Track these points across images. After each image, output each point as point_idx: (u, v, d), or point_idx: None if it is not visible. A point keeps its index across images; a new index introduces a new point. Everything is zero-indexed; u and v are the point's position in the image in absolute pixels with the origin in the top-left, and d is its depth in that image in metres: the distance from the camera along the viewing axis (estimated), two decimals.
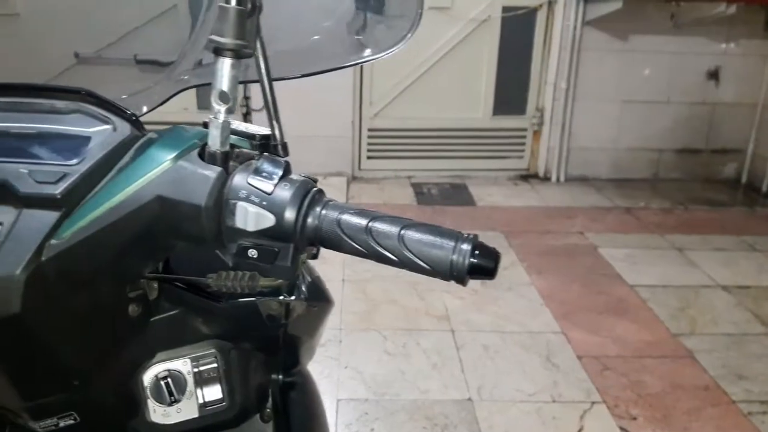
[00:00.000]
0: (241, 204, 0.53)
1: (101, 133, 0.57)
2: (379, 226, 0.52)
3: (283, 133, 0.61)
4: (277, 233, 0.53)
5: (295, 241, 0.53)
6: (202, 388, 0.66)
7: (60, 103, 0.59)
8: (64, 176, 0.52)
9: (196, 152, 0.55)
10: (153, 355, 0.64)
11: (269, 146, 0.61)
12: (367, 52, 0.82)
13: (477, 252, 0.51)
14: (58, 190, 0.52)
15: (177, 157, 0.54)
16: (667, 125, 4.49)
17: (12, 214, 0.52)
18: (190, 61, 0.83)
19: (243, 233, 0.53)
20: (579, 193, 4.29)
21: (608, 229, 3.68)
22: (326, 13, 0.83)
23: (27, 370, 0.55)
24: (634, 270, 3.14)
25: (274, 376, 0.78)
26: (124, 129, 0.57)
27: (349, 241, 0.52)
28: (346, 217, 0.53)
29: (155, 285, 0.62)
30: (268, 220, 0.52)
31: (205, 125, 0.57)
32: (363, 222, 0.53)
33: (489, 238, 2.67)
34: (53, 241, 0.51)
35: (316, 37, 0.83)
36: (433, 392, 2.18)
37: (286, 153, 0.61)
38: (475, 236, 0.52)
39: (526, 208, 4.00)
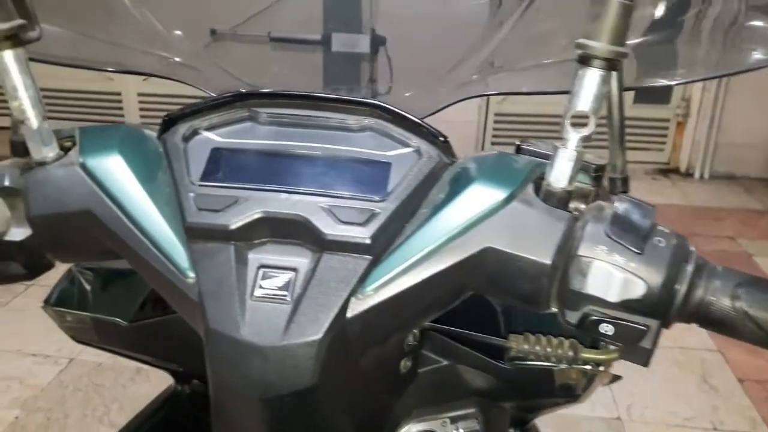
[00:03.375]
0: (599, 265, 0.41)
1: (403, 159, 0.46)
2: None
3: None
4: (644, 306, 0.41)
5: (668, 317, 0.42)
6: None
7: (351, 119, 0.49)
8: (372, 215, 0.43)
9: (531, 190, 0.44)
10: (410, 413, 0.56)
11: (601, 178, 0.48)
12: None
13: None
14: (368, 233, 0.42)
15: (510, 197, 0.43)
16: None
17: (309, 260, 0.43)
18: (474, 64, 0.69)
19: (596, 301, 0.41)
20: (726, 192, 3.94)
21: (764, 235, 3.34)
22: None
23: None
24: None
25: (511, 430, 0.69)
26: (431, 154, 0.47)
27: (753, 326, 0.40)
28: (751, 292, 0.40)
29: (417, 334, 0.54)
30: (638, 288, 0.40)
31: (519, 149, 0.46)
32: None
33: None
34: (359, 296, 0.42)
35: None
36: (581, 408, 2.04)
37: (626, 188, 0.49)
38: None
39: (667, 206, 3.70)
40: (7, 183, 0.48)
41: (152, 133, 0.51)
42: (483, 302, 0.50)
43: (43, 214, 0.47)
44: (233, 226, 0.43)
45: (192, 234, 0.44)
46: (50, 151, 0.49)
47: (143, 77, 4.15)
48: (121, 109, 4.39)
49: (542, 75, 0.64)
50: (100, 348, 0.71)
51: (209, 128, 0.49)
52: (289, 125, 0.49)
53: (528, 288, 0.42)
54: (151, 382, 2.10)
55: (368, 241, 0.42)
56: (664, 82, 0.65)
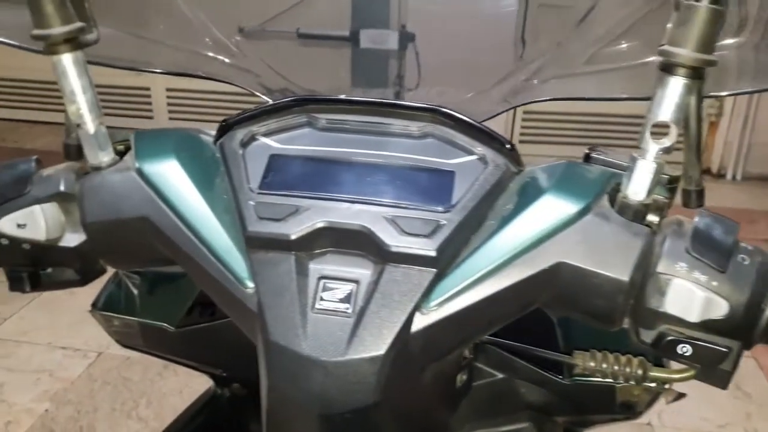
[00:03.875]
0: (679, 283, 0.39)
1: (467, 168, 0.45)
2: None
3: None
4: (726, 327, 0.39)
5: (751, 339, 0.40)
6: None
7: (412, 125, 0.47)
8: (437, 226, 0.42)
9: (606, 202, 0.42)
10: (463, 427, 0.54)
11: (675, 191, 0.46)
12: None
13: None
14: (434, 245, 0.41)
15: (585, 210, 0.41)
16: None
17: (371, 272, 0.42)
18: (527, 72, 0.66)
19: (674, 321, 0.40)
20: (760, 193, 3.86)
21: None
22: None
23: None
24: None
25: None
26: (497, 162, 0.45)
27: None
28: None
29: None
30: (720, 308, 0.39)
31: (588, 158, 0.44)
32: None
33: None
34: (423, 310, 0.41)
35: None
36: None
37: (701, 201, 0.47)
38: None
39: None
40: (62, 188, 0.48)
41: (208, 138, 0.50)
42: (538, 314, 0.48)
43: (99, 220, 0.47)
44: (294, 236, 0.42)
45: (252, 243, 0.43)
46: (106, 156, 0.48)
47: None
48: (149, 104, 4.42)
49: (602, 80, 0.62)
50: (144, 352, 0.70)
51: (267, 134, 0.48)
52: (348, 131, 0.48)
53: (602, 305, 0.41)
54: (179, 377, 2.11)
55: (434, 254, 0.41)
56: (746, 89, 0.62)
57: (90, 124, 0.47)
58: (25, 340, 2.28)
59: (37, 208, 0.47)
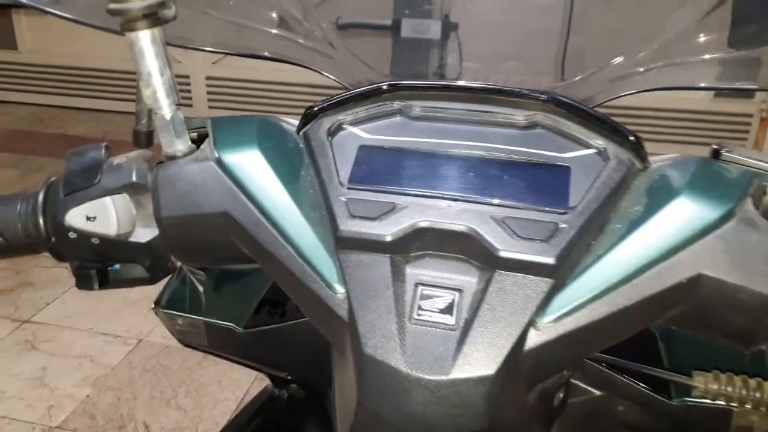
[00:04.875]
0: None
1: (584, 162, 0.40)
2: None
3: None
4: None
5: None
6: None
7: (518, 114, 0.43)
8: (556, 230, 0.37)
9: (751, 207, 0.37)
10: None
11: None
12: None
13: None
14: (553, 252, 0.36)
15: (728, 215, 0.36)
16: None
17: (476, 279, 0.37)
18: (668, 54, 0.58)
19: None
20: None
21: None
22: None
23: None
24: None
25: None
26: (620, 156, 0.40)
27: None
28: None
29: None
30: None
31: (716, 154, 0.39)
32: None
33: None
34: (538, 326, 0.36)
35: None
36: None
37: None
38: None
39: None
40: (134, 178, 0.44)
41: (290, 127, 0.46)
42: None
43: (175, 214, 0.43)
44: (391, 237, 0.38)
45: (343, 243, 0.39)
46: (182, 144, 0.44)
47: (215, 58, 4.17)
48: (189, 92, 4.43)
49: (715, 69, 0.56)
50: (208, 352, 0.67)
51: (355, 123, 0.44)
52: (445, 120, 0.43)
53: (743, 324, 0.36)
54: (218, 367, 2.10)
55: (552, 261, 0.36)
56: None
57: (167, 109, 0.43)
58: (67, 325, 2.29)
59: (108, 199, 0.44)
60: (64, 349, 2.17)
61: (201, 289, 0.63)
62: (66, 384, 2.00)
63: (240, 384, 2.03)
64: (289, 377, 0.67)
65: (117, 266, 0.48)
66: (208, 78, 4.36)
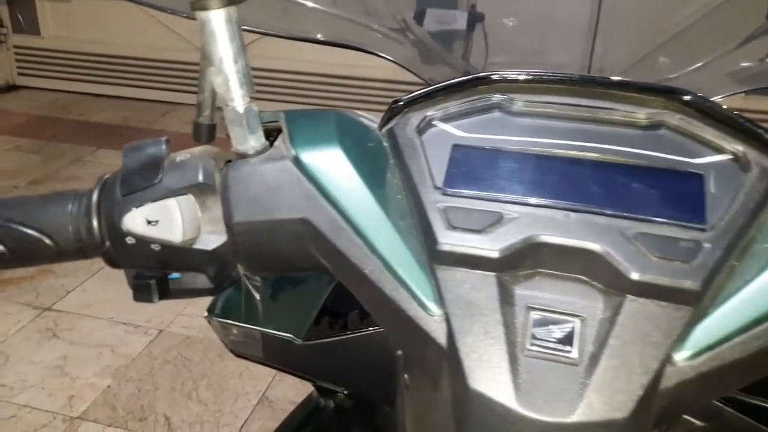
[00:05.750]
0: None
1: (719, 170, 0.35)
2: None
3: None
4: None
5: None
6: None
7: (639, 112, 0.38)
8: (698, 250, 0.32)
9: None
10: None
11: None
12: None
13: None
14: (699, 276, 0.31)
15: None
16: None
17: (602, 305, 0.33)
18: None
19: None
20: None
21: None
22: None
23: None
24: None
25: None
26: (763, 164, 0.35)
27: None
28: None
29: None
30: None
31: None
32: None
33: None
34: (675, 361, 0.32)
35: None
36: None
37: None
38: None
39: None
40: (200, 178, 0.39)
41: (370, 123, 0.42)
42: None
43: (247, 220, 0.38)
44: (499, 254, 0.34)
45: (442, 258, 0.35)
46: (255, 141, 0.39)
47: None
48: None
49: None
50: (262, 363, 0.62)
51: (446, 119, 0.39)
52: (552, 117, 0.38)
53: None
54: (238, 360, 2.07)
55: (697, 287, 0.31)
56: None
57: (240, 101, 0.38)
58: (87, 313, 2.28)
59: (172, 201, 0.39)
60: (85, 338, 2.15)
61: (257, 297, 0.58)
62: (87, 373, 1.99)
63: (261, 378, 2.00)
64: (344, 391, 0.63)
65: (177, 275, 0.43)
66: None
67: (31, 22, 4.45)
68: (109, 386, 1.94)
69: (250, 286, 0.56)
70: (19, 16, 4.46)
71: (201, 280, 0.42)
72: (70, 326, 2.21)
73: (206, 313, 0.59)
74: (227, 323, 0.58)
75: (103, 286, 2.43)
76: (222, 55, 0.37)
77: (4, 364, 2.01)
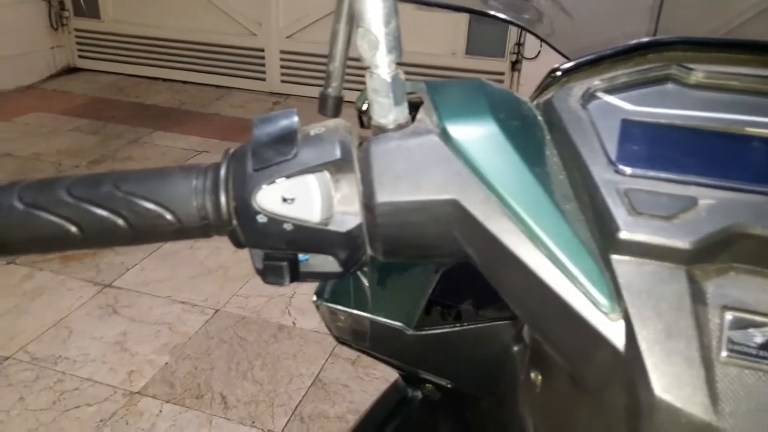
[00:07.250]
0: None
1: None
2: None
3: None
4: None
5: None
6: None
7: None
8: None
9: None
10: None
11: None
12: None
13: None
14: None
15: None
16: None
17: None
18: None
19: None
20: None
21: None
22: None
23: None
24: None
25: None
26: None
27: None
28: None
29: None
30: None
31: None
32: None
33: None
34: None
35: None
36: None
37: None
38: None
39: None
40: (338, 154, 0.36)
41: (522, 96, 0.38)
42: None
43: (390, 200, 0.35)
44: (690, 245, 0.30)
45: (622, 249, 0.31)
46: (399, 113, 0.36)
47: (290, 32, 4.12)
48: (263, 65, 4.43)
49: None
50: (363, 352, 0.60)
51: (611, 90, 0.35)
52: (736, 91, 0.34)
53: None
54: (293, 341, 2.09)
55: None
56: None
57: (386, 69, 0.35)
58: (146, 291, 2.32)
59: (311, 178, 0.36)
60: (144, 315, 2.19)
61: (366, 282, 0.55)
62: (146, 350, 2.02)
63: (315, 360, 2.01)
64: (449, 385, 0.60)
65: (305, 257, 0.39)
66: (283, 52, 4.35)
67: (92, 6, 4.55)
68: (167, 363, 1.97)
69: (358, 271, 0.53)
70: (81, 0, 4.57)
71: (329, 263, 0.38)
72: (129, 303, 2.25)
73: (315, 297, 0.57)
74: (336, 309, 0.55)
75: (161, 264, 2.47)
76: (370, 16, 0.34)
77: (67, 338, 2.06)
